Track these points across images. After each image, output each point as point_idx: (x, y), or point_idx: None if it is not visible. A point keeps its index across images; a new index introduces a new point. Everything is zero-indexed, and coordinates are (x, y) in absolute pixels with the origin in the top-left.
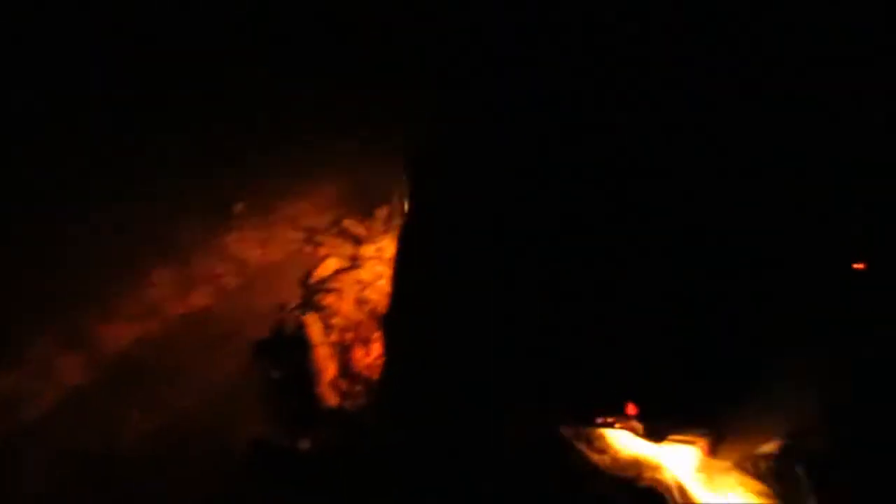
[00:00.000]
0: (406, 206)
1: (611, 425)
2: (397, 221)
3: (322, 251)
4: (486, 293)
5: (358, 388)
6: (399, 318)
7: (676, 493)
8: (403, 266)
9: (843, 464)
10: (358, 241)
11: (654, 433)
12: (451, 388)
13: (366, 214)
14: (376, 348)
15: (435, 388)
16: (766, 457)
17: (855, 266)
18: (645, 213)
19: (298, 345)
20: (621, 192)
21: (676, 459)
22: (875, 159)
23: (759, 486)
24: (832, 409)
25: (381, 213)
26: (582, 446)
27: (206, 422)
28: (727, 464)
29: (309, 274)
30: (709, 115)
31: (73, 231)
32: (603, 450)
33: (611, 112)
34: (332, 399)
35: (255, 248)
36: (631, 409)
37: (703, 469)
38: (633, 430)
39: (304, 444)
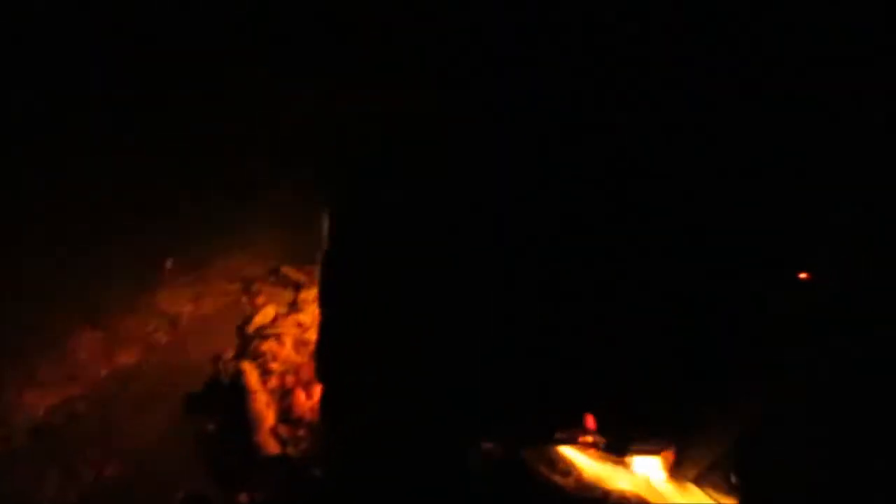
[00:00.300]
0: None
1: (572, 441)
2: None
3: (260, 300)
4: (423, 315)
5: (300, 433)
6: (329, 351)
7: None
8: (327, 298)
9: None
10: (298, 286)
11: (617, 445)
12: (397, 419)
13: (306, 260)
14: (319, 389)
15: (377, 421)
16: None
17: (801, 276)
18: (588, 230)
19: (234, 394)
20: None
21: (640, 476)
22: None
23: (726, 499)
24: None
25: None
26: (545, 470)
27: (137, 484)
28: (690, 476)
29: (246, 323)
30: (709, 114)
31: None
32: (567, 471)
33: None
34: (272, 447)
35: (187, 303)
36: (590, 421)
37: (668, 483)
38: (595, 444)
39: (243, 499)
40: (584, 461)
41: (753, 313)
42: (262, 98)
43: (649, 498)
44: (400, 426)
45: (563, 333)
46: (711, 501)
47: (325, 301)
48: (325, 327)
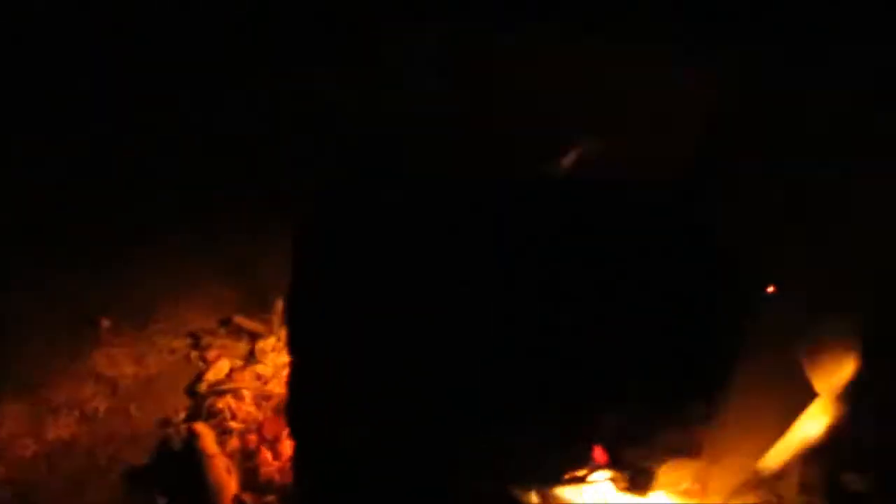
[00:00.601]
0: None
1: (581, 480)
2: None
3: (212, 354)
4: (408, 358)
5: (269, 499)
6: (301, 404)
7: None
8: (296, 340)
9: None
10: (254, 336)
11: (639, 478)
12: (381, 477)
13: (261, 309)
14: (288, 447)
15: (358, 481)
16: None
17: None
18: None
19: (188, 461)
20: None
21: None
22: None
23: None
24: None
25: (279, 305)
26: None
27: None
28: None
29: (198, 380)
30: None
31: None
32: None
33: None
34: None
35: (129, 364)
36: (600, 455)
37: None
38: (613, 481)
39: None
40: (594, 499)
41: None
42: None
43: None
44: (385, 483)
45: (562, 350)
46: None
47: (294, 344)
48: (294, 375)
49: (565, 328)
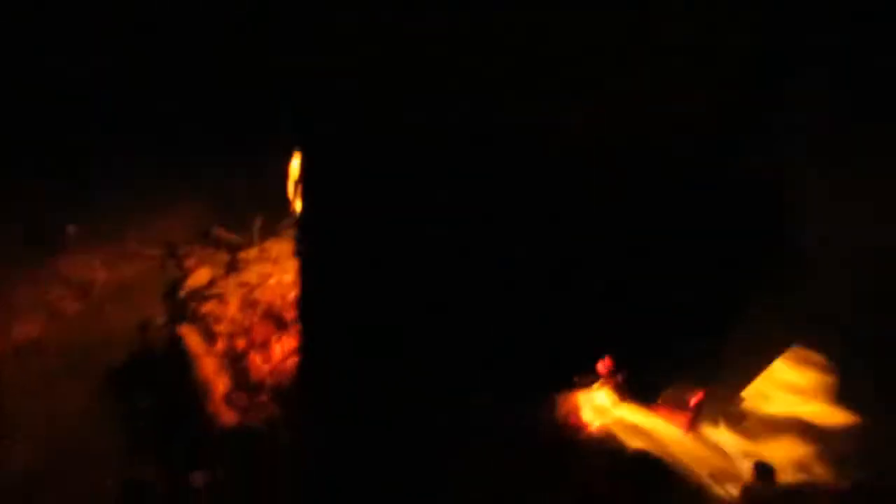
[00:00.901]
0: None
1: (589, 386)
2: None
3: (190, 262)
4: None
5: (261, 399)
6: (320, 303)
7: (669, 462)
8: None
9: None
10: (233, 248)
11: (646, 390)
12: (384, 376)
13: (238, 224)
14: (278, 351)
15: (362, 378)
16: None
17: None
18: None
19: (174, 361)
20: None
21: (661, 428)
22: None
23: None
24: None
25: (258, 221)
26: (553, 421)
27: (53, 475)
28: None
29: (177, 286)
30: None
31: None
32: (577, 425)
33: None
34: (229, 417)
35: (100, 268)
36: (607, 364)
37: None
38: (618, 390)
39: (199, 479)
40: (601, 411)
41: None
42: None
43: (668, 453)
44: (387, 383)
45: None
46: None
47: (307, 238)
48: (307, 270)
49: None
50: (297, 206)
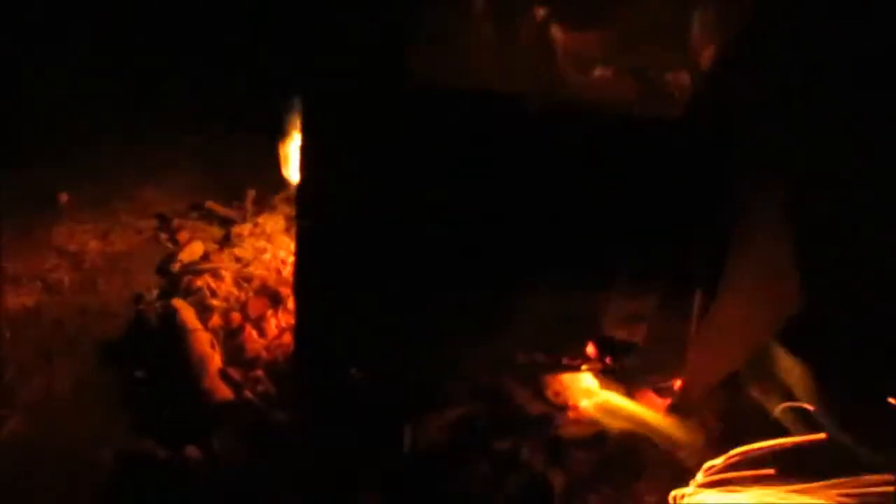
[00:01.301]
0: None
1: (575, 368)
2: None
3: (183, 236)
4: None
5: (257, 373)
6: (309, 269)
7: (656, 441)
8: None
9: None
10: (226, 222)
11: (631, 374)
12: (381, 353)
13: (232, 197)
14: (273, 326)
15: (359, 354)
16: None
17: None
18: None
19: (168, 335)
20: None
21: (645, 409)
22: None
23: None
24: None
25: (251, 194)
26: (533, 401)
27: (48, 443)
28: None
29: (170, 259)
30: None
31: None
32: (561, 405)
33: None
34: (223, 392)
35: (92, 239)
36: (593, 348)
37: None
38: (602, 370)
39: (194, 452)
40: (584, 392)
41: None
42: None
43: (653, 436)
44: (383, 362)
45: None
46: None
47: (305, 206)
48: (303, 241)
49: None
50: (292, 177)
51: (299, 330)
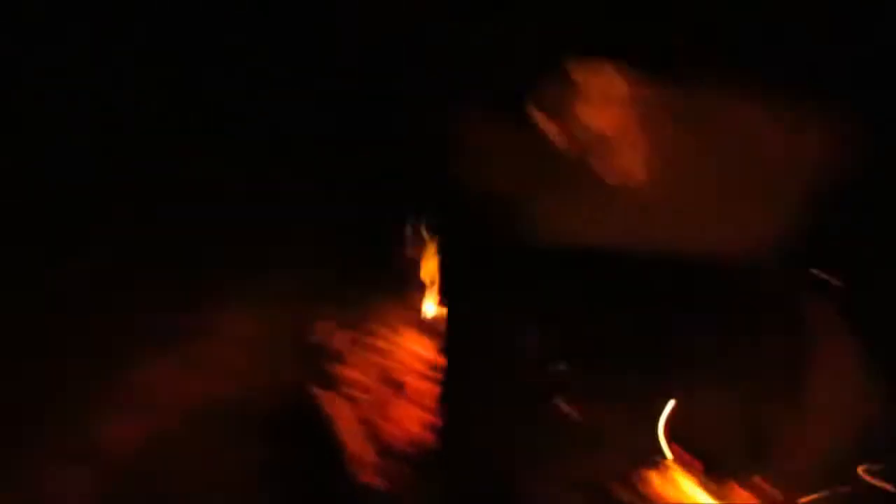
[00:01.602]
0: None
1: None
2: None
3: (321, 323)
4: None
5: (394, 464)
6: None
7: None
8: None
9: None
10: (363, 308)
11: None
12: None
13: (363, 281)
14: (409, 420)
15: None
16: None
17: None
18: None
19: (310, 423)
20: None
21: None
22: None
23: None
24: None
25: (383, 284)
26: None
27: None
28: None
29: (310, 345)
30: None
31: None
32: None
33: None
34: (363, 478)
35: (257, 325)
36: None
37: None
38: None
39: None
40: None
41: None
42: None
43: None
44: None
45: None
46: None
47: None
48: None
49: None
50: (428, 279)
51: (443, 431)
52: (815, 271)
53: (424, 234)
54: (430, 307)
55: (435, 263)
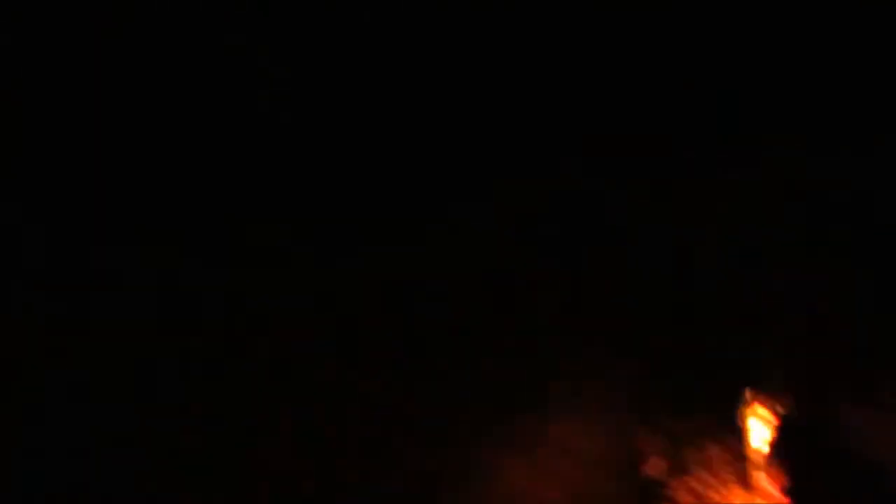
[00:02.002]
0: None
1: None
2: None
3: (642, 444)
4: None
5: None
6: None
7: None
8: None
9: None
10: (678, 440)
11: None
12: None
13: (679, 409)
14: None
15: None
16: None
17: None
18: None
19: None
20: None
21: None
22: None
23: None
24: None
25: (703, 418)
26: None
27: None
28: None
29: (646, 475)
30: None
31: None
32: None
33: None
34: None
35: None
36: None
37: None
38: None
39: None
40: None
41: None
42: None
43: None
44: None
45: None
46: None
47: None
48: None
49: None
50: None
51: None
52: None
53: (762, 402)
54: (760, 473)
55: (769, 432)
